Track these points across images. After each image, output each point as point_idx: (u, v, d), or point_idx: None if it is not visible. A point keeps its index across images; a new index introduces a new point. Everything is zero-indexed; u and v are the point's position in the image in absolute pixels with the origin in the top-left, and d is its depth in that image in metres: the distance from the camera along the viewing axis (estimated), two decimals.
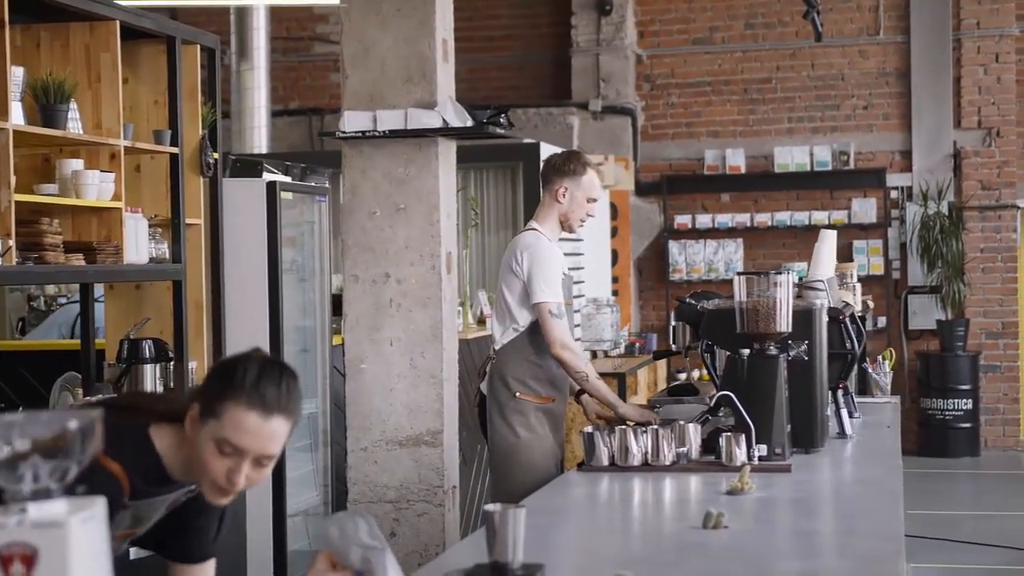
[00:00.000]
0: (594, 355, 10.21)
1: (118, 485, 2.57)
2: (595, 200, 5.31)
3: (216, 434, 2.53)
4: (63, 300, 8.66)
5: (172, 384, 5.57)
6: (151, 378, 5.35)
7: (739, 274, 4.43)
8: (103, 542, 1.81)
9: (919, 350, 12.46)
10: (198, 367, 5.76)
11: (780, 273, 4.40)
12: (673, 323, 5.17)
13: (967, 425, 12.11)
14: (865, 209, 12.49)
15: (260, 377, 2.55)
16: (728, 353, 4.52)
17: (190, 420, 2.59)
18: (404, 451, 5.61)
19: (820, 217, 12.42)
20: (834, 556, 3.05)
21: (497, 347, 5.27)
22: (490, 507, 2.73)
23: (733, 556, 3.02)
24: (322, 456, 6.78)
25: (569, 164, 5.28)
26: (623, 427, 4.29)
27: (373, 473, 5.60)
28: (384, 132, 5.61)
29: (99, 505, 1.81)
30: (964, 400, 12.08)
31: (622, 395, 9.09)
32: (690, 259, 12.78)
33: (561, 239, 9.26)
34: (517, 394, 5.17)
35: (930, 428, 12.17)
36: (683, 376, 12.12)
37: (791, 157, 12.60)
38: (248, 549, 5.69)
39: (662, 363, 11.15)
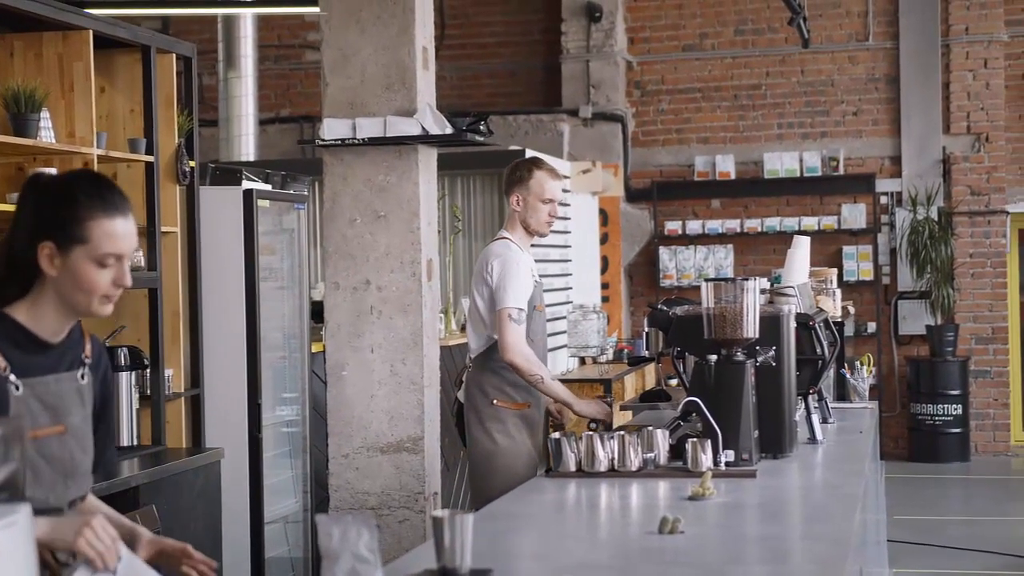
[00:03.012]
0: (582, 361, 10.23)
1: None
2: (551, 201, 5.36)
3: (93, 253, 2.65)
4: None
5: (149, 393, 5.58)
6: (126, 386, 5.37)
7: (707, 280, 4.45)
8: (27, 548, 1.83)
9: (909, 355, 12.47)
10: (174, 375, 5.77)
11: (747, 279, 4.41)
12: (646, 329, 5.20)
13: (957, 430, 12.12)
14: (855, 215, 12.50)
15: (99, 189, 2.68)
16: (696, 359, 4.54)
17: (47, 259, 2.65)
18: (385, 458, 5.63)
19: (810, 223, 12.44)
20: (782, 560, 3.07)
21: (473, 355, 5.34)
22: (437, 513, 2.75)
23: (684, 561, 3.03)
24: (302, 463, 6.79)
25: (516, 172, 5.40)
26: (590, 433, 4.31)
27: (354, 480, 5.62)
28: (364, 140, 5.64)
29: (23, 512, 1.83)
30: (954, 405, 12.09)
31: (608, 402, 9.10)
32: (680, 265, 12.80)
33: (547, 245, 9.30)
34: (495, 401, 5.25)
35: (920, 433, 12.17)
36: (674, 382, 12.12)
37: (781, 163, 12.62)
38: (224, 556, 5.70)
39: (651, 369, 11.17)
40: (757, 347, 4.47)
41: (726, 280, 4.43)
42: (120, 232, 2.68)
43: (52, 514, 2.59)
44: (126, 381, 5.37)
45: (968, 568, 8.14)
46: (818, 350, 4.99)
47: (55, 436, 2.69)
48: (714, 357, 4.39)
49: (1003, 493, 11.09)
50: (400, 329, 5.68)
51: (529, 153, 9.84)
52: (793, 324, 4.67)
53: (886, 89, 12.62)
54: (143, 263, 5.51)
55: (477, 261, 5.44)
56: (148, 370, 5.52)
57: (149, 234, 5.55)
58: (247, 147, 10.44)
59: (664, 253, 12.80)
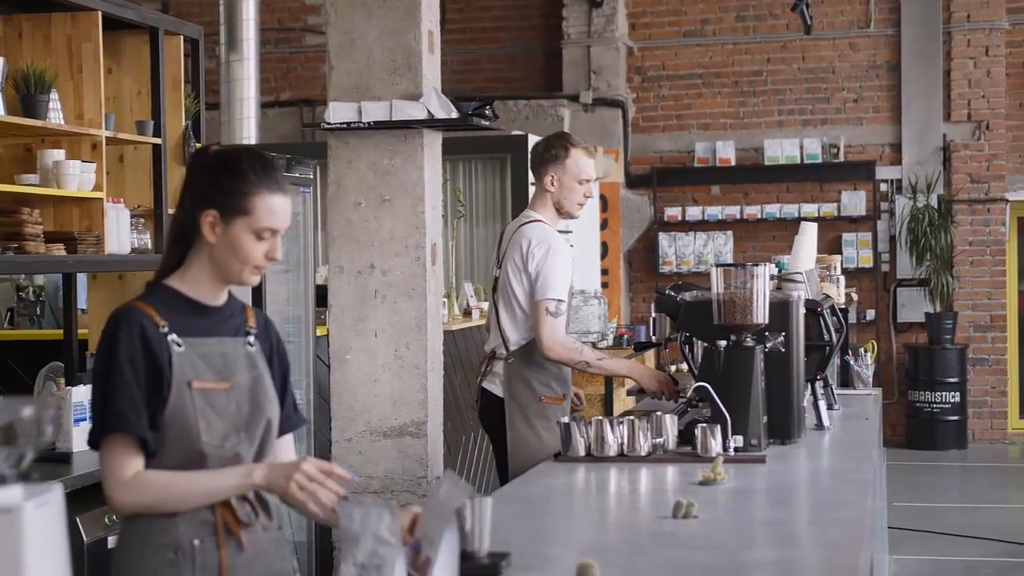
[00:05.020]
0: None
1: (141, 311, 2.79)
2: (587, 181, 5.15)
3: (253, 226, 2.79)
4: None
5: None
6: None
7: (716, 265, 4.44)
8: (59, 528, 1.83)
9: (907, 343, 12.49)
10: None
11: (757, 265, 4.41)
12: (653, 315, 5.18)
13: (955, 418, 12.15)
14: (855, 202, 12.51)
15: (264, 166, 2.84)
16: (705, 344, 4.54)
17: (209, 227, 2.80)
18: (388, 442, 5.63)
19: (810, 210, 12.45)
20: (798, 545, 3.07)
21: (512, 347, 5.10)
22: None
23: (700, 545, 3.04)
24: (306, 446, 6.78)
25: (551, 150, 5.16)
26: (599, 418, 4.31)
27: (357, 464, 5.61)
28: (369, 123, 5.63)
29: (55, 491, 1.83)
30: (952, 393, 12.11)
31: (608, 387, 9.10)
32: (680, 251, 12.81)
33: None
34: (542, 398, 5.05)
35: (918, 420, 12.20)
36: (672, 368, 12.14)
37: (781, 150, 12.62)
38: None
39: (651, 355, 11.18)
40: (766, 333, 4.47)
41: (736, 266, 4.42)
42: (280, 209, 2.81)
43: (227, 461, 2.80)
44: None
45: (966, 555, 8.16)
46: (826, 336, 4.99)
47: (221, 391, 2.83)
48: (724, 343, 4.39)
49: (1000, 480, 11.13)
50: (404, 313, 5.67)
51: (533, 139, 9.84)
52: (802, 310, 4.68)
53: (887, 76, 12.62)
54: (150, 246, 5.51)
55: (508, 245, 5.18)
56: None
57: (156, 217, 5.55)
58: (248, 130, 10.37)
59: (664, 239, 12.80)
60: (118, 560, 2.84)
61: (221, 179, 2.81)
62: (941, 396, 12.10)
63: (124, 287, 5.68)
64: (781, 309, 4.53)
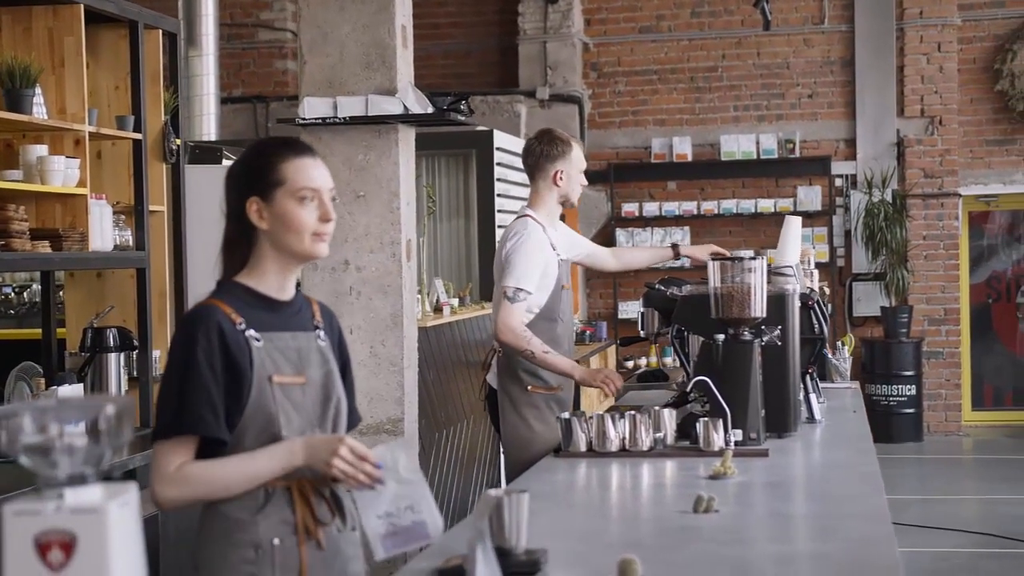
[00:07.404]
0: None
1: (219, 310, 2.77)
2: (584, 169, 5.33)
3: (291, 192, 2.79)
4: (9, 289, 8.54)
5: (136, 374, 5.51)
6: (115, 367, 5.29)
7: (714, 259, 4.44)
8: (136, 525, 1.79)
9: (863, 336, 12.59)
10: (162, 356, 5.69)
11: (755, 258, 4.41)
12: (641, 309, 5.16)
13: (910, 411, 12.26)
14: (810, 197, 12.59)
15: (281, 141, 2.89)
16: (702, 339, 4.53)
17: (256, 215, 2.80)
18: (365, 439, 5.54)
19: (766, 205, 12.52)
20: (828, 539, 3.06)
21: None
22: (494, 492, 2.72)
23: (729, 539, 3.03)
24: None
25: (556, 147, 5.23)
26: (600, 413, 4.30)
27: None
28: (345, 119, 5.58)
29: (132, 491, 1.79)
30: (907, 386, 12.22)
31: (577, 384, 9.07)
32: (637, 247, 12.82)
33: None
34: (529, 387, 5.11)
35: (874, 414, 12.25)
36: (630, 364, 12.17)
37: (737, 145, 12.67)
38: None
39: (611, 351, 11.21)
40: (762, 326, 4.47)
41: (733, 259, 4.42)
42: (312, 169, 2.83)
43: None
44: (115, 362, 5.29)
45: (924, 547, 8.24)
46: (816, 329, 5.01)
47: (297, 386, 2.82)
48: (722, 336, 4.39)
49: (957, 472, 11.26)
50: (380, 310, 5.65)
51: (499, 135, 9.83)
52: (797, 303, 4.69)
53: (841, 72, 12.71)
54: (131, 243, 5.43)
55: (499, 241, 5.26)
56: (136, 351, 5.43)
57: (137, 213, 5.47)
58: (209, 126, 10.30)
59: (621, 235, 12.82)
60: (199, 554, 2.84)
61: (249, 168, 2.84)
62: (897, 389, 12.21)
63: (103, 285, 5.59)
64: (777, 302, 4.54)
